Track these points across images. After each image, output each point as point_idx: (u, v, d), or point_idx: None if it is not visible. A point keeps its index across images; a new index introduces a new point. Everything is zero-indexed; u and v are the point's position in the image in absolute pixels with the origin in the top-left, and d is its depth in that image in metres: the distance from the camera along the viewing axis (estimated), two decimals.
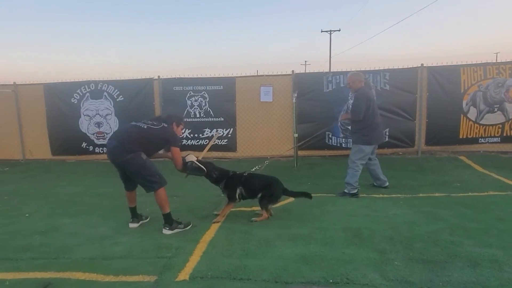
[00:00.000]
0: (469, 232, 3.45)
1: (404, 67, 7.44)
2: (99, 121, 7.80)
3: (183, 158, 4.15)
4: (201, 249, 3.32)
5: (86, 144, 7.97)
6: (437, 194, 4.91)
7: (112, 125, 7.81)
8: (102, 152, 7.89)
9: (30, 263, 3.16)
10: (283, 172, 6.72)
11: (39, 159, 8.18)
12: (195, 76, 7.70)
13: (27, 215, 4.61)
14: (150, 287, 2.70)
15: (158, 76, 7.72)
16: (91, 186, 6.06)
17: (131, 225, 4.04)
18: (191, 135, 7.75)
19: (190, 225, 3.85)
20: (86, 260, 3.20)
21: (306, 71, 7.74)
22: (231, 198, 4.17)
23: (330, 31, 38.84)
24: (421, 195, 4.93)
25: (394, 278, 2.66)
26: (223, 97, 7.62)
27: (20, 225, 4.21)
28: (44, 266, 3.10)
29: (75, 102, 7.84)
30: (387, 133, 7.45)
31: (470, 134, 7.41)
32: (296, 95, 6.88)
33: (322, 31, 39.69)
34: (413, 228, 3.61)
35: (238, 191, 4.23)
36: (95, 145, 7.98)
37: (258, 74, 7.69)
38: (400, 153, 7.74)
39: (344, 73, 7.36)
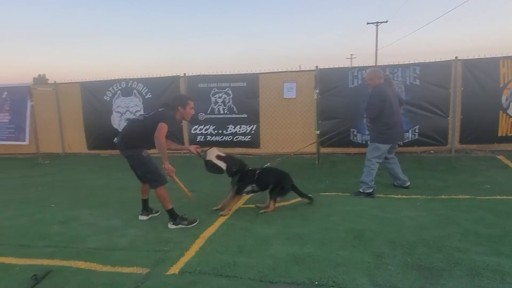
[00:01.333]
0: (481, 238, 3.21)
1: (436, 60, 7.01)
2: (129, 117, 8.15)
3: (205, 154, 4.20)
4: (199, 244, 3.39)
5: None
6: (460, 196, 4.60)
7: None
8: None
9: (42, 251, 3.40)
10: (304, 169, 6.65)
11: (77, 153, 8.73)
12: (219, 73, 7.80)
13: (52, 205, 4.95)
14: (141, 278, 2.80)
15: (184, 74, 7.91)
16: (116, 180, 6.37)
17: (141, 217, 4.19)
18: (215, 131, 7.87)
19: (196, 222, 3.86)
20: (91, 250, 3.39)
21: (336, 66, 7.44)
22: (238, 192, 4.27)
23: (377, 22, 37.21)
24: (443, 196, 4.65)
25: (383, 283, 2.55)
26: (246, 93, 7.66)
27: (45, 215, 4.52)
28: (53, 254, 3.31)
29: (108, 100, 8.27)
30: (417, 130, 7.09)
31: (510, 132, 6.84)
32: (317, 91, 6.73)
33: (368, 23, 38.33)
34: (421, 232, 3.42)
35: (249, 187, 4.33)
36: None
37: (283, 70, 7.59)
38: (432, 151, 7.33)
39: (371, 67, 7.08)
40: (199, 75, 7.87)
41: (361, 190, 4.82)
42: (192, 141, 8.02)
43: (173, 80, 7.95)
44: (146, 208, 4.25)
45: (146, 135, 3.72)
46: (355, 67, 7.26)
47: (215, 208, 4.34)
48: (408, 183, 5.11)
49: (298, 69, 7.58)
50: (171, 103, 3.98)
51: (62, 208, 4.78)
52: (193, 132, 7.98)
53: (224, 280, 2.72)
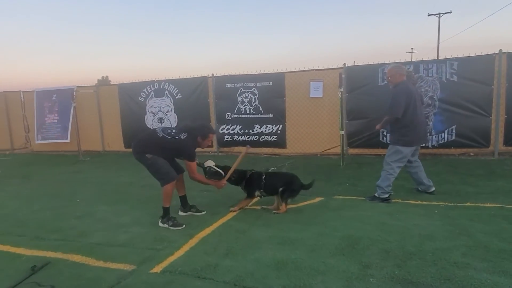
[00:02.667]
0: (489, 253, 2.88)
1: (476, 54, 6.41)
2: (161, 117, 8.47)
3: (202, 164, 4.33)
4: (190, 245, 3.42)
5: None
6: (488, 205, 4.17)
7: (172, 121, 8.42)
8: None
9: (51, 243, 3.64)
10: (327, 170, 6.45)
11: (115, 151, 9.26)
12: (245, 73, 7.81)
13: (78, 200, 5.29)
14: (125, 275, 2.89)
15: (212, 74, 8.03)
16: (143, 178, 6.61)
17: (179, 212, 4.34)
18: (242, 131, 7.91)
19: (181, 227, 3.87)
20: (92, 244, 3.56)
21: (393, 61, 7.08)
22: (250, 195, 4.39)
23: (439, 14, 34.80)
24: (467, 204, 4.25)
25: None
26: (272, 93, 7.59)
27: (68, 209, 4.84)
28: (58, 247, 3.53)
29: (142, 100, 8.66)
30: (454, 131, 6.56)
31: None
32: (342, 90, 6.48)
33: (429, 15, 35.90)
34: (424, 242, 3.15)
35: (257, 192, 4.40)
36: None
37: (309, 68, 7.41)
38: (472, 154, 6.73)
39: (403, 63, 6.66)
40: (226, 75, 7.95)
41: (376, 194, 4.56)
42: (220, 140, 8.15)
43: (202, 81, 8.12)
44: (182, 204, 4.38)
45: (160, 150, 3.93)
46: (385, 63, 6.87)
47: (233, 209, 4.39)
48: (433, 189, 4.73)
49: (326, 67, 7.32)
50: (193, 131, 4.05)
51: (85, 204, 5.09)
52: (220, 131, 8.09)
53: (199, 282, 2.71)
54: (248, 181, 4.41)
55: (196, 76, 8.23)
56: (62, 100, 9.20)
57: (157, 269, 2.96)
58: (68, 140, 9.11)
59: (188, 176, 4.15)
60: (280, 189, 4.29)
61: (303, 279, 2.64)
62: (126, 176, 6.87)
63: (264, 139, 7.76)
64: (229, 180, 4.38)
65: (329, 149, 6.21)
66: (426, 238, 3.26)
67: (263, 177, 4.39)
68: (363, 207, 4.32)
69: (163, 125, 8.46)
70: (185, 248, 3.35)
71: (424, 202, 4.40)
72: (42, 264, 3.12)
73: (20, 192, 5.98)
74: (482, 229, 3.41)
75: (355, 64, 7.10)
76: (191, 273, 2.84)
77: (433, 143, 6.70)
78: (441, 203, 4.34)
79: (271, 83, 7.56)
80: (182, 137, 3.96)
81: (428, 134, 6.67)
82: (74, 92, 9.08)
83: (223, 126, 8.04)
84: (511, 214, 3.80)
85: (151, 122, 8.64)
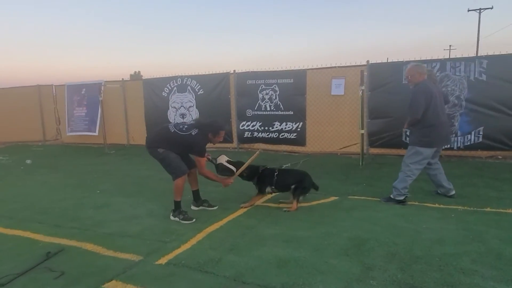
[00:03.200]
0: (501, 261, 2.75)
1: (508, 52, 6.08)
2: (183, 112, 8.62)
3: (215, 159, 4.40)
4: (198, 239, 3.48)
5: None
6: (510, 211, 3.97)
7: (193, 116, 8.55)
8: None
9: (68, 232, 3.81)
10: (345, 169, 6.34)
11: (139, 144, 9.49)
12: (267, 70, 7.80)
13: (98, 191, 5.49)
14: (131, 265, 2.99)
15: (234, 71, 8.08)
16: (161, 171, 6.65)
17: (192, 206, 4.43)
18: (262, 128, 7.91)
19: (192, 221, 3.93)
20: (105, 235, 3.70)
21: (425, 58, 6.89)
22: (261, 191, 4.45)
23: (480, 9, 33.30)
24: (488, 209, 4.06)
25: None
26: (293, 90, 7.54)
27: (88, 200, 5.04)
28: (73, 235, 3.70)
29: (165, 96, 8.84)
30: (481, 132, 6.27)
31: None
32: (363, 88, 6.33)
33: (469, 10, 34.41)
34: (433, 247, 3.05)
35: (268, 189, 4.44)
36: None
37: (331, 65, 7.30)
38: (500, 157, 6.42)
39: (428, 62, 6.44)
40: (248, 71, 7.97)
41: (391, 196, 4.44)
42: (240, 136, 8.19)
43: (224, 77, 8.18)
44: (195, 199, 4.46)
45: (171, 145, 4.03)
46: (411, 61, 6.64)
47: (244, 205, 4.43)
48: (453, 192, 4.54)
49: (348, 64, 7.18)
50: (204, 127, 4.10)
51: (105, 195, 5.28)
52: (241, 128, 8.13)
53: (200, 275, 2.76)
54: (260, 177, 4.45)
55: (218, 72, 8.30)
56: (90, 94, 9.54)
57: (162, 260, 3.04)
58: (96, 133, 9.46)
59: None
60: (292, 186, 4.32)
61: (302, 278, 2.63)
62: (146, 169, 7.05)
63: (284, 136, 7.73)
64: (241, 175, 4.42)
65: (346, 146, 6.07)
66: (436, 242, 3.16)
67: (275, 173, 4.42)
68: (377, 208, 4.23)
69: (185, 120, 8.62)
70: (192, 241, 3.42)
71: (441, 206, 4.24)
72: (56, 251, 3.29)
73: (47, 182, 6.28)
74: (498, 235, 3.25)
75: (379, 62, 6.92)
76: (193, 266, 2.89)
77: (459, 145, 6.44)
78: (459, 207, 4.17)
79: (292, 80, 7.51)
80: (193, 133, 4.03)
81: (453, 135, 6.42)
82: (102, 87, 9.41)
83: (244, 123, 8.08)
84: None
85: (173, 117, 8.81)
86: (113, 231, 3.78)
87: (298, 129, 7.61)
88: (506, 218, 3.71)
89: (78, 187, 5.82)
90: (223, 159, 4.42)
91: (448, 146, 6.48)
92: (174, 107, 8.75)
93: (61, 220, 4.20)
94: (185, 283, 2.65)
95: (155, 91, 8.98)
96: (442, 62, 6.38)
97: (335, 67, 7.22)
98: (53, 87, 10.62)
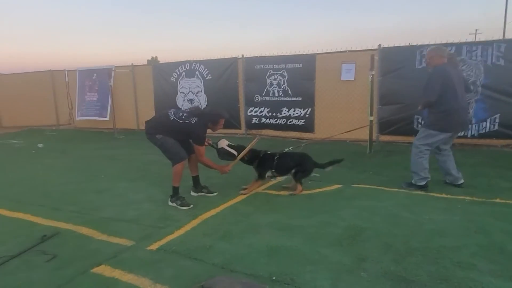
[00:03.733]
0: (502, 255, 2.61)
1: None
2: (192, 97, 8.56)
3: (215, 144, 4.36)
4: (192, 225, 3.45)
5: None
6: None
7: (202, 101, 8.48)
8: None
9: (66, 215, 3.83)
10: (353, 156, 6.17)
11: None
12: (275, 54, 7.63)
13: (102, 176, 5.52)
14: (122, 250, 2.98)
15: (242, 55, 7.93)
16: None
17: (191, 192, 4.42)
18: (270, 113, 7.78)
19: (189, 207, 3.90)
20: (102, 219, 3.71)
21: (395, 45, 6.64)
22: (260, 176, 4.41)
23: None
24: (497, 200, 3.86)
25: None
26: (301, 75, 7.35)
27: (91, 184, 5.08)
28: (71, 218, 3.72)
29: (174, 81, 8.79)
30: (497, 120, 5.98)
31: None
32: (373, 73, 6.10)
33: None
34: (432, 239, 2.92)
35: (269, 173, 4.41)
36: None
37: (341, 50, 7.06)
38: None
39: (443, 46, 6.13)
40: (256, 56, 7.82)
41: (413, 181, 4.31)
42: (248, 122, 8.10)
43: (232, 62, 8.05)
44: (195, 185, 4.44)
45: (170, 132, 4.00)
46: (425, 45, 6.36)
47: (244, 187, 4.44)
48: (461, 181, 4.36)
49: (359, 48, 6.94)
50: (204, 116, 4.05)
51: (108, 179, 5.31)
52: (249, 113, 8.02)
53: (189, 262, 2.72)
54: (261, 161, 4.42)
55: (226, 57, 8.17)
56: (101, 79, 9.59)
57: (154, 246, 3.02)
58: (107, 118, 9.53)
59: None
60: (293, 170, 4.30)
61: (291, 268, 2.56)
62: (152, 154, 7.01)
63: (292, 122, 7.59)
64: (242, 159, 4.38)
65: (351, 130, 5.85)
66: (437, 234, 3.02)
67: (276, 157, 4.39)
68: (380, 197, 4.09)
69: (193, 105, 8.56)
70: (186, 228, 3.38)
71: (448, 196, 4.07)
72: (52, 234, 3.31)
73: (55, 166, 6.37)
74: (504, 228, 3.09)
75: (392, 46, 6.64)
76: (183, 253, 2.86)
77: (473, 133, 6.17)
78: (467, 197, 3.99)
79: (301, 65, 7.32)
80: (192, 121, 3.97)
81: (469, 123, 6.15)
82: (112, 72, 9.43)
83: (251, 108, 7.96)
84: None
85: (182, 102, 8.77)
86: (110, 216, 3.79)
87: (307, 116, 7.45)
88: None
89: (83, 171, 5.88)
90: (223, 143, 4.36)
91: (462, 134, 6.23)
92: (183, 92, 8.70)
93: (62, 203, 4.23)
94: (171, 269, 2.61)
95: (164, 77, 8.94)
96: (458, 46, 6.07)
97: (345, 51, 6.99)
98: (65, 72, 10.72)
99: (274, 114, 7.73)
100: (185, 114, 4.07)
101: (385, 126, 6.83)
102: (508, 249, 2.68)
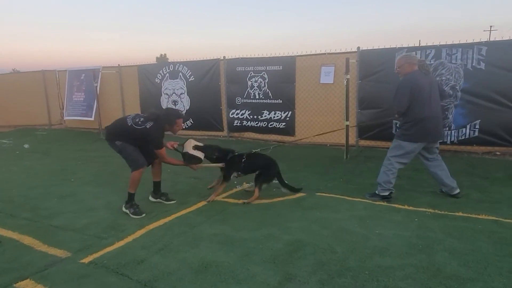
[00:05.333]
0: (436, 279, 2.49)
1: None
2: (175, 99, 8.50)
3: (182, 146, 4.33)
4: (135, 236, 3.40)
5: None
6: (482, 216, 3.62)
7: (185, 103, 8.42)
8: None
9: (17, 223, 3.80)
10: (328, 162, 6.06)
11: None
12: (256, 56, 7.51)
13: (72, 180, 5.50)
14: (56, 262, 2.93)
15: (224, 57, 7.83)
16: None
17: (150, 197, 4.39)
18: (251, 116, 7.68)
19: (141, 216, 3.86)
20: (50, 227, 3.67)
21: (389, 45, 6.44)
22: (226, 178, 4.38)
23: None
24: (459, 214, 3.72)
25: None
26: (282, 78, 7.22)
27: (58, 188, 5.05)
28: (20, 226, 3.69)
29: (158, 82, 8.73)
30: (477, 126, 5.79)
31: None
32: (348, 76, 5.96)
33: None
34: (372, 257, 2.81)
35: (234, 174, 4.44)
36: None
37: (321, 52, 6.91)
38: (498, 153, 5.92)
39: (422, 48, 5.97)
40: (238, 58, 7.70)
41: (377, 191, 4.21)
42: (230, 124, 8.01)
43: (214, 63, 7.96)
44: (155, 191, 4.39)
45: (129, 138, 3.95)
46: (404, 47, 6.19)
47: (209, 186, 4.58)
48: (457, 191, 4.18)
49: (338, 51, 6.77)
50: (159, 119, 3.98)
51: (77, 183, 5.28)
52: (231, 116, 7.94)
53: (114, 278, 2.66)
54: (228, 162, 4.36)
55: (208, 58, 8.07)
56: (89, 80, 9.58)
57: (87, 259, 2.96)
58: (92, 118, 9.54)
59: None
60: (257, 172, 4.33)
61: (215, 286, 2.48)
62: None
63: (273, 125, 7.48)
64: (209, 158, 4.35)
65: (325, 133, 5.73)
66: (378, 252, 2.91)
67: (243, 159, 4.35)
68: (338, 208, 3.97)
69: (177, 107, 8.51)
70: (128, 239, 3.33)
71: (410, 208, 3.94)
72: None
73: (32, 168, 6.38)
74: (451, 246, 2.96)
75: (371, 48, 6.48)
76: (112, 267, 2.80)
77: (452, 139, 5.99)
78: (429, 210, 3.85)
79: (281, 67, 7.19)
80: (147, 126, 3.92)
81: (447, 128, 5.97)
82: (100, 73, 9.43)
83: (233, 111, 7.87)
84: (501, 230, 3.26)
85: (166, 104, 8.71)
86: (60, 224, 3.75)
87: (287, 119, 7.33)
88: (473, 226, 3.38)
89: (56, 174, 5.87)
90: (190, 145, 4.27)
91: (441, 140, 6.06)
92: (167, 94, 8.65)
93: (20, 210, 4.20)
94: (92, 286, 2.55)
95: (149, 78, 8.90)
96: (437, 48, 5.88)
97: (325, 53, 6.84)
98: (56, 72, 10.77)
99: (255, 116, 7.62)
100: (141, 119, 4.02)
101: (365, 131, 6.68)
102: (445, 272, 2.55)
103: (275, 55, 7.31)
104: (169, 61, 8.62)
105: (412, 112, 3.95)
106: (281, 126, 7.42)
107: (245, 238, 3.24)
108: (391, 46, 6.28)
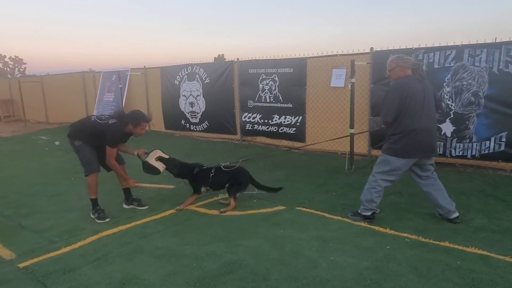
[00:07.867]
0: None
1: None
2: (192, 101, 8.51)
3: (146, 154, 4.29)
4: (85, 242, 3.40)
5: (184, 121, 8.91)
6: (470, 249, 3.06)
7: (201, 105, 8.39)
8: (195, 129, 8.68)
9: None
10: (329, 173, 5.62)
11: (158, 131, 9.71)
12: (268, 58, 7.22)
13: (72, 178, 5.69)
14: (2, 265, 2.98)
15: (237, 59, 7.66)
16: None
17: (124, 204, 4.37)
18: (262, 120, 7.41)
19: (104, 221, 3.85)
20: (17, 227, 3.83)
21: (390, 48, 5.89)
22: (196, 191, 4.31)
23: None
24: (444, 243, 3.18)
25: None
26: (292, 81, 6.86)
27: (54, 187, 5.26)
28: None
29: (177, 84, 8.81)
30: (504, 139, 4.99)
31: None
32: (353, 80, 5.47)
33: None
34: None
35: (203, 189, 4.33)
36: (190, 123, 8.81)
37: (333, 54, 6.45)
38: None
39: (442, 49, 5.30)
40: (250, 60, 7.48)
41: (359, 210, 3.77)
42: (243, 128, 7.82)
43: (228, 65, 7.83)
44: (127, 197, 4.38)
45: (89, 136, 3.95)
46: (422, 47, 5.53)
47: (178, 207, 4.21)
48: (455, 215, 3.59)
49: (351, 52, 6.27)
50: (125, 118, 3.97)
51: (74, 183, 5.45)
52: (243, 119, 7.74)
53: (36, 285, 2.63)
54: (194, 177, 4.29)
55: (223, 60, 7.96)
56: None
57: (25, 263, 3.01)
58: None
59: (141, 170, 4.26)
60: (227, 184, 4.23)
61: None
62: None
63: (283, 130, 7.15)
64: (171, 172, 4.29)
65: (322, 142, 5.31)
66: (315, 284, 2.56)
67: (211, 175, 4.24)
68: (310, 226, 3.61)
69: (193, 109, 8.53)
70: (76, 245, 3.33)
71: (391, 232, 3.47)
72: None
73: (47, 165, 6.74)
74: (406, 286, 2.51)
75: (386, 49, 5.90)
76: (39, 275, 2.79)
77: (474, 153, 5.24)
78: (413, 236, 3.34)
79: (292, 70, 6.84)
80: (109, 122, 3.91)
81: (468, 140, 5.23)
82: (128, 74, 9.78)
83: (245, 114, 7.66)
84: (481, 270, 2.71)
85: (183, 105, 8.77)
86: (29, 224, 3.87)
87: (298, 124, 6.96)
88: (449, 261, 2.86)
89: (64, 172, 6.12)
90: (153, 156, 4.22)
91: (460, 153, 5.34)
92: (184, 96, 8.69)
93: (4, 207, 4.43)
94: None
95: (169, 80, 9.02)
96: (459, 49, 5.17)
97: (336, 55, 6.37)
98: (94, 73, 11.39)
99: (266, 121, 7.34)
100: (106, 116, 4.04)
101: (378, 139, 6.11)
102: None
103: (286, 57, 6.97)
104: (187, 63, 8.62)
105: (401, 123, 3.43)
106: (291, 132, 7.07)
107: (186, 253, 3.05)
108: (407, 47, 5.65)
